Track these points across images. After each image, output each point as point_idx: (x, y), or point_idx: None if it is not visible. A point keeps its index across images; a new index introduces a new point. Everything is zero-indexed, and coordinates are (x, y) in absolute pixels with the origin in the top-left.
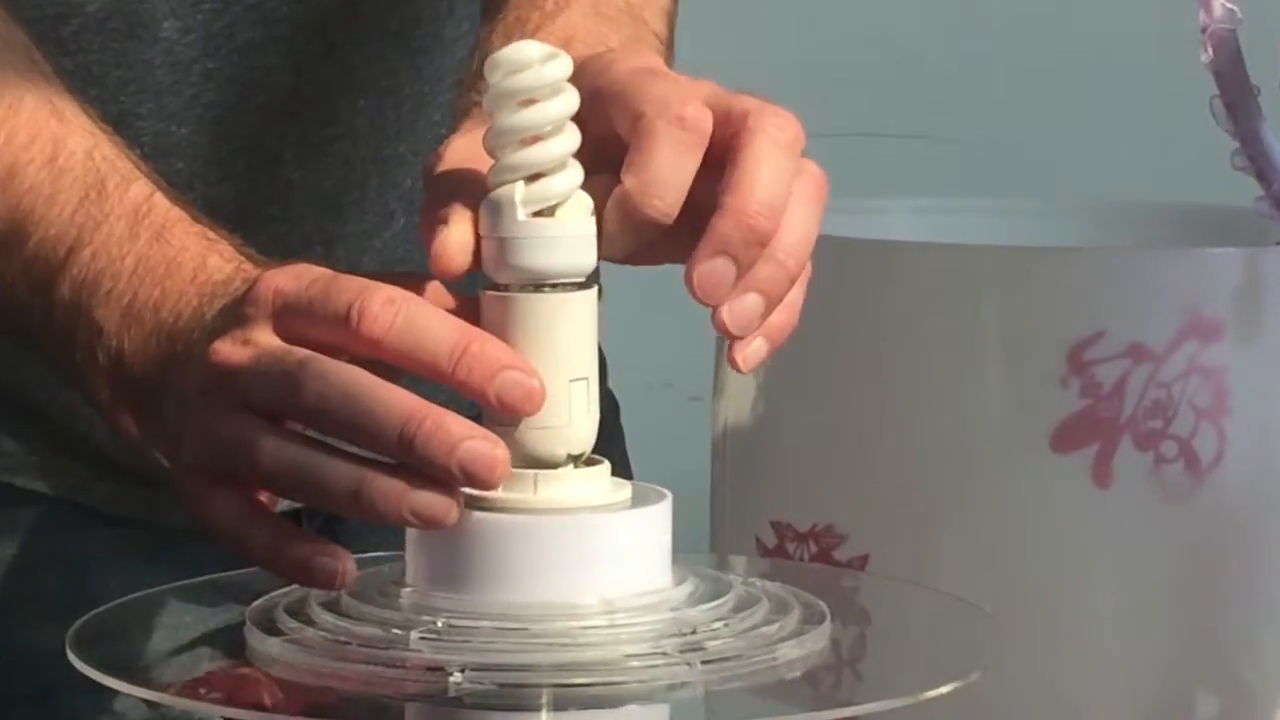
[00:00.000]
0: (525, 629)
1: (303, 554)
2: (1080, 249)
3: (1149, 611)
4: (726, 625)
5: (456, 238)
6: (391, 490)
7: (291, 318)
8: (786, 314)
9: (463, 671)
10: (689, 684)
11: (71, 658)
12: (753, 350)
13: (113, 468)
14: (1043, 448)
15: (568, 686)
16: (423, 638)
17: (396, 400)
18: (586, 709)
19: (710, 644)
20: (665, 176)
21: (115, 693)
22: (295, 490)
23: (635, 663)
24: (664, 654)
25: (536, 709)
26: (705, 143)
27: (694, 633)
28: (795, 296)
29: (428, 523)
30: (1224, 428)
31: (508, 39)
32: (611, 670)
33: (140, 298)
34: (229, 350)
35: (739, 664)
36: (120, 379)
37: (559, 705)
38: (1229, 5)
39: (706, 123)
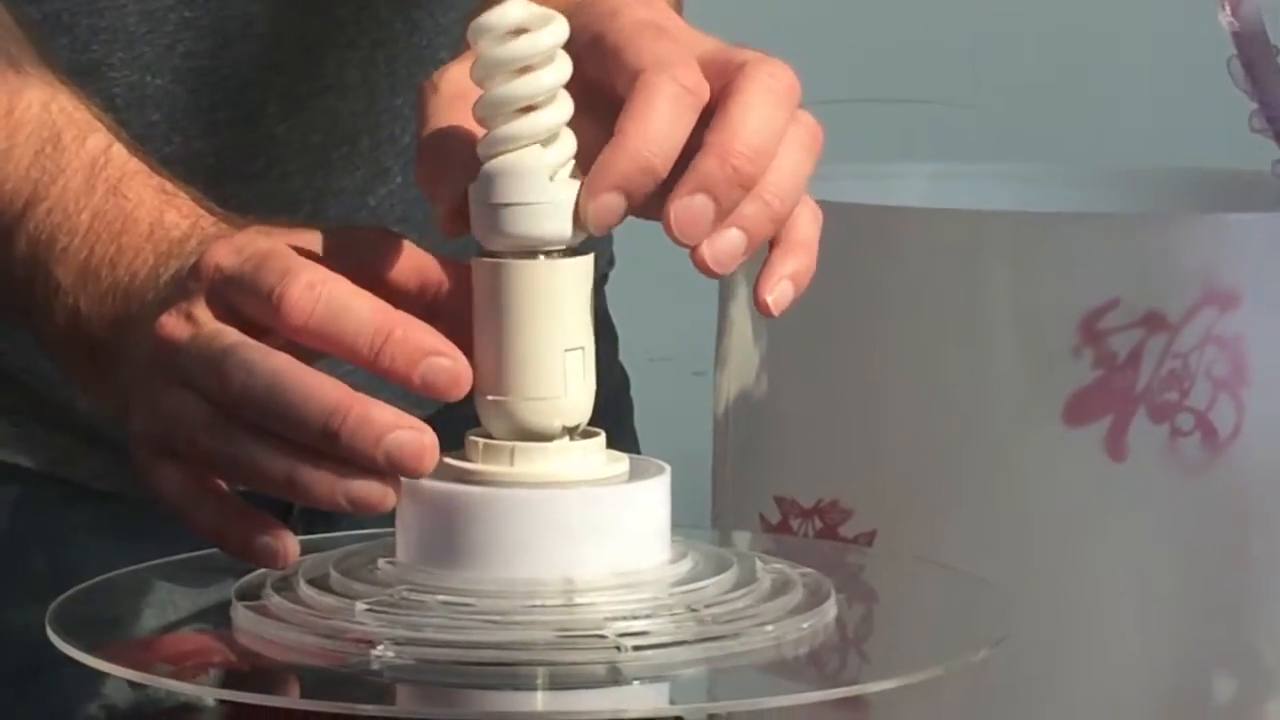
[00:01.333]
0: (470, 605)
1: (245, 532)
2: (1094, 215)
3: (1164, 589)
4: (723, 602)
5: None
6: (325, 478)
7: (228, 294)
8: (807, 255)
9: (388, 645)
10: (624, 669)
11: (51, 636)
12: (780, 292)
13: (96, 439)
14: (1055, 420)
15: (492, 666)
16: (368, 609)
17: (321, 392)
18: (581, 689)
19: (682, 623)
20: (662, 132)
21: (102, 673)
22: (231, 473)
23: (567, 646)
24: (600, 636)
25: (469, 687)
26: (702, 104)
27: (647, 617)
28: (809, 235)
29: (363, 509)
30: (1242, 399)
31: None
32: (538, 650)
33: (96, 254)
34: (172, 325)
35: (738, 642)
36: (77, 338)
37: (498, 685)
38: None
39: (705, 89)
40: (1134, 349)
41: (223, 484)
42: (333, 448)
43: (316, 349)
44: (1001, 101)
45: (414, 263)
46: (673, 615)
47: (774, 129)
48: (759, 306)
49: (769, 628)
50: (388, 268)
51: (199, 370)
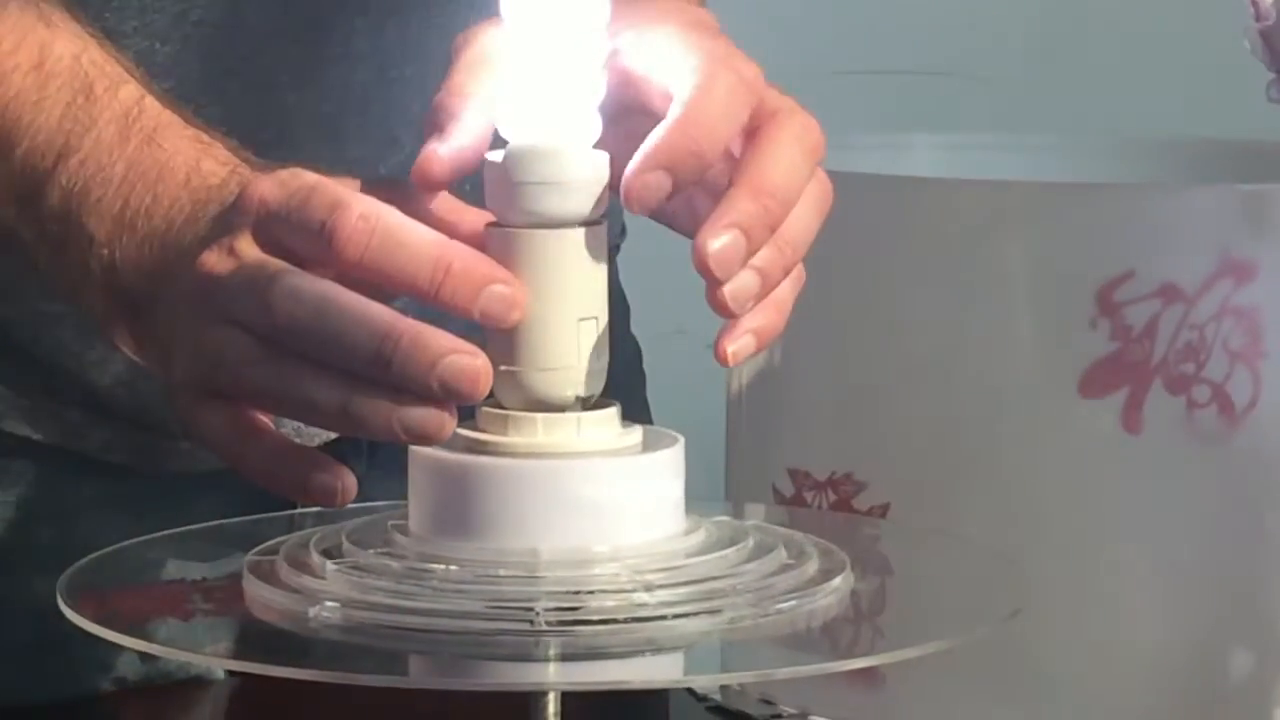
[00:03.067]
0: (430, 572)
1: (301, 471)
2: (1110, 185)
3: (1181, 562)
4: (737, 574)
5: (447, 149)
6: (381, 406)
7: (273, 228)
8: (777, 315)
9: (327, 605)
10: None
11: (63, 607)
12: (742, 345)
13: (105, 412)
14: (1071, 392)
15: (418, 632)
16: (337, 570)
17: (372, 316)
18: (591, 659)
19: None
20: (717, 119)
21: (112, 645)
22: (282, 407)
23: (494, 617)
24: (532, 614)
25: (403, 654)
26: (756, 102)
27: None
28: (785, 296)
29: (421, 438)
30: (1259, 371)
31: None
32: (464, 620)
33: (132, 204)
34: (214, 260)
35: (752, 614)
36: (113, 290)
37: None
38: None
39: (760, 83)
40: (1150, 320)
41: (270, 424)
42: (385, 375)
43: (371, 283)
44: (1015, 72)
45: (451, 212)
46: (687, 586)
47: (799, 180)
48: (717, 354)
49: (783, 600)
50: (426, 216)
51: (243, 302)
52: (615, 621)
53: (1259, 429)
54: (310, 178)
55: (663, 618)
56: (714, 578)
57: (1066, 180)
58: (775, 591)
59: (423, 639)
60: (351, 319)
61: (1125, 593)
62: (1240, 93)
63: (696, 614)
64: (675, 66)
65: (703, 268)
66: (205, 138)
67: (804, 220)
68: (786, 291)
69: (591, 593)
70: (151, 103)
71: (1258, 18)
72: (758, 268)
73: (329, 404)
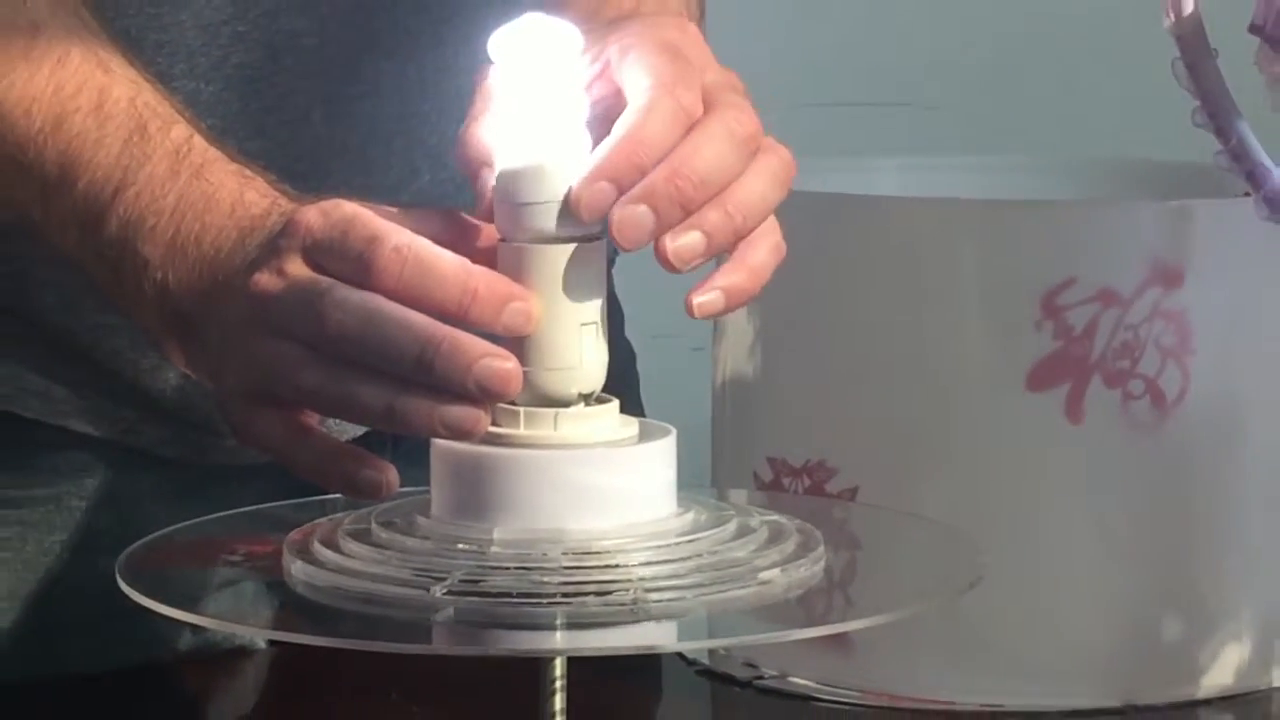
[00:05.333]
0: (451, 551)
1: (348, 467)
2: (1052, 201)
3: (1118, 539)
4: (724, 550)
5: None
6: (423, 406)
7: (317, 254)
8: (749, 278)
9: (357, 581)
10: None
11: (121, 584)
12: (709, 300)
13: (157, 411)
14: (1019, 386)
15: (439, 605)
16: (366, 549)
17: (414, 325)
18: (595, 627)
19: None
20: (654, 138)
21: (166, 618)
22: (332, 408)
23: (510, 591)
24: (542, 587)
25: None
26: (692, 123)
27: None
28: (761, 262)
29: (459, 434)
30: (1187, 366)
31: None
32: (476, 592)
33: (182, 232)
34: (265, 280)
35: (737, 586)
36: (166, 310)
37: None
38: None
39: (699, 111)
40: (1090, 322)
41: (319, 426)
42: (427, 377)
43: (408, 304)
44: (966, 102)
45: (465, 230)
46: (679, 562)
47: (725, 164)
48: (686, 306)
49: (764, 573)
50: (456, 242)
51: (295, 315)
52: (616, 594)
53: (1187, 419)
54: (350, 209)
55: (657, 590)
56: (703, 554)
57: (1013, 198)
58: (757, 566)
59: (443, 610)
60: (396, 326)
61: (1068, 565)
62: (1169, 118)
63: (688, 586)
64: (634, 88)
65: (610, 234)
66: (248, 172)
67: (756, 189)
68: (762, 258)
69: (595, 568)
70: (199, 141)
71: (1180, 49)
72: (704, 230)
73: (375, 404)
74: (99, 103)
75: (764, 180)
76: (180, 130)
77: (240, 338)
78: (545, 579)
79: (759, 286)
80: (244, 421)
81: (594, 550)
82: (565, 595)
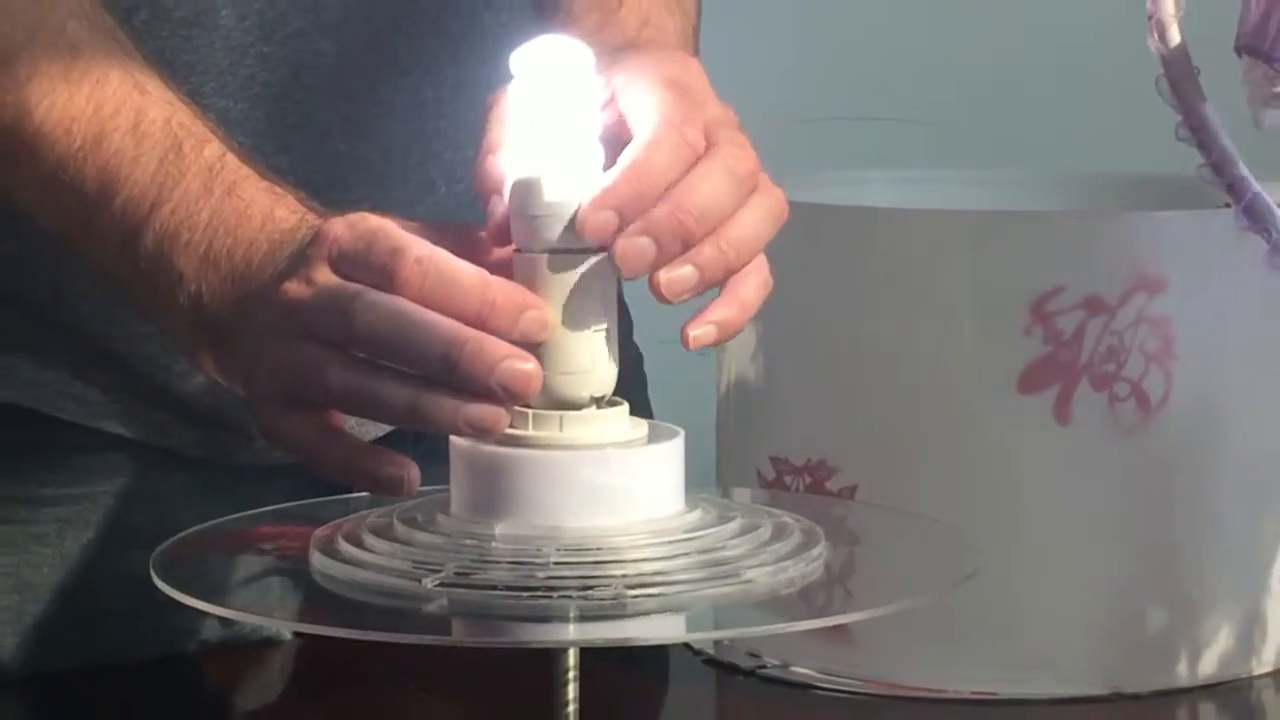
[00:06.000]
0: (469, 546)
1: (372, 464)
2: (1041, 212)
3: (1105, 534)
4: (728, 546)
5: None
6: (446, 404)
7: (343, 264)
8: (739, 312)
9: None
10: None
11: (154, 578)
12: (703, 333)
13: (189, 414)
14: (1010, 389)
15: (459, 598)
16: (388, 545)
17: (440, 327)
18: (604, 619)
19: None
20: (659, 171)
21: (196, 611)
22: (359, 408)
23: (526, 585)
24: (556, 582)
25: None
26: (696, 158)
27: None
28: (751, 297)
29: (481, 431)
30: (1170, 370)
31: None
32: (494, 586)
33: (215, 246)
34: (295, 288)
35: (741, 580)
36: (199, 319)
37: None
38: None
39: (702, 147)
40: (1077, 328)
41: (345, 426)
42: (451, 377)
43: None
44: (958, 117)
45: (490, 252)
46: (687, 557)
47: (724, 200)
48: (682, 339)
49: (767, 568)
50: (472, 255)
51: (325, 318)
52: (626, 587)
53: (1170, 420)
54: (375, 222)
55: (666, 584)
56: (709, 550)
57: (1004, 209)
58: (761, 561)
59: (462, 603)
60: (423, 328)
61: (1057, 560)
62: (1154, 132)
63: (695, 580)
64: (640, 120)
65: (612, 262)
66: (278, 189)
67: (750, 226)
68: (751, 293)
69: (606, 562)
70: (231, 159)
71: (1165, 69)
72: (697, 264)
73: (401, 402)
74: (136, 122)
75: (758, 217)
76: (213, 149)
77: (271, 343)
78: (535, 573)
79: (746, 320)
80: (274, 424)
81: (606, 545)
82: (549, 590)
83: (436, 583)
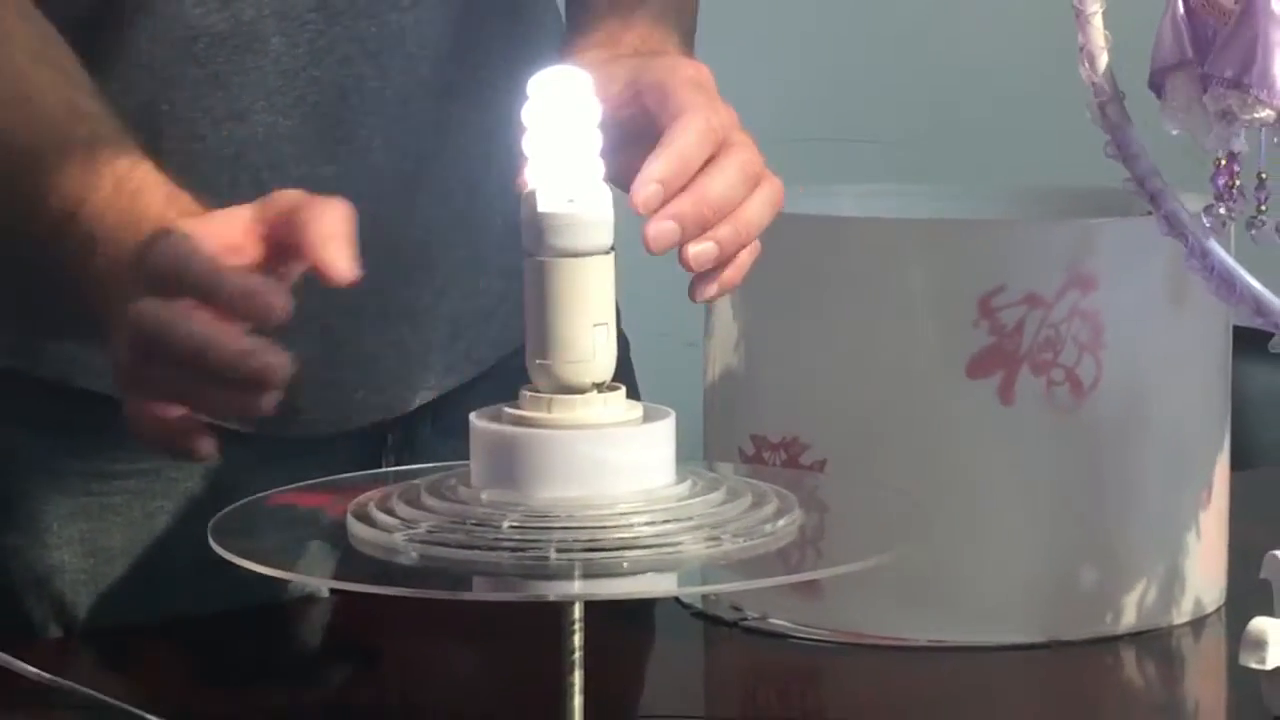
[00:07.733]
0: (488, 515)
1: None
2: (987, 220)
3: (1043, 501)
4: (715, 513)
5: None
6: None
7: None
8: (736, 272)
9: (409, 539)
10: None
11: (212, 543)
12: (711, 291)
13: None
14: (960, 375)
15: (479, 559)
16: (416, 513)
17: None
18: (606, 576)
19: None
20: (692, 153)
21: (247, 571)
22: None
23: (538, 547)
24: (565, 544)
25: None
26: (719, 140)
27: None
28: (745, 261)
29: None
30: (1100, 358)
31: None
32: (509, 548)
33: (116, 246)
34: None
35: (725, 541)
36: (110, 314)
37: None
38: (1101, 29)
39: (723, 130)
40: (1019, 321)
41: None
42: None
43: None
44: (915, 138)
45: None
46: (677, 522)
47: (736, 194)
48: (691, 294)
49: (749, 531)
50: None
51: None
52: (626, 549)
53: (1101, 402)
54: (175, 255)
55: (660, 545)
56: (698, 515)
57: (954, 218)
58: (743, 525)
59: (482, 564)
60: (208, 340)
61: (1001, 525)
62: (1085, 151)
63: (685, 543)
64: (672, 111)
65: (645, 241)
66: (174, 194)
67: (757, 210)
68: (745, 258)
69: (608, 528)
70: (141, 168)
71: (1095, 94)
72: (718, 240)
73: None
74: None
75: (763, 204)
76: (123, 160)
77: (121, 333)
78: (567, 537)
79: (740, 279)
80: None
81: (608, 513)
82: (584, 550)
83: (405, 538)
